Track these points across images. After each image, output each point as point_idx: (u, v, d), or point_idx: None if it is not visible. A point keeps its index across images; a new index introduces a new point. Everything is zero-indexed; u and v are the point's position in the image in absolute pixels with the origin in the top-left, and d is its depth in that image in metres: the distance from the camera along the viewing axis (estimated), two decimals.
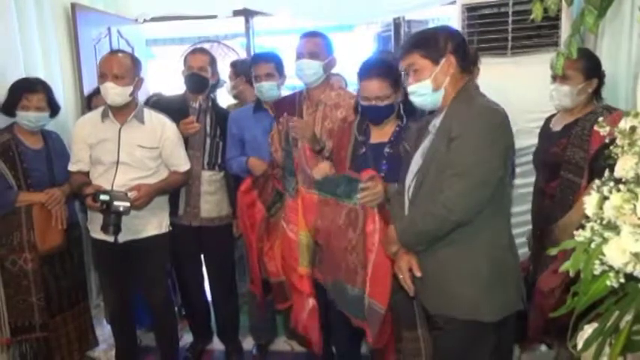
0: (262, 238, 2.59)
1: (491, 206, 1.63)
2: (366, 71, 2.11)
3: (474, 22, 2.99)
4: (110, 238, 2.44)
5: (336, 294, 2.22)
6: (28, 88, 2.52)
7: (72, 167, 2.55)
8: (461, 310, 1.67)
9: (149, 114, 2.52)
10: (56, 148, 2.69)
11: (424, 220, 1.66)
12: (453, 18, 3.26)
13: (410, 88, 1.74)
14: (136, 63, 2.47)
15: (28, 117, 2.51)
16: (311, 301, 2.33)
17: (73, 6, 3.27)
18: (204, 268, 3.00)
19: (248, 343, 3.08)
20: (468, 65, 1.75)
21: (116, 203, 2.28)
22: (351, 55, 4.55)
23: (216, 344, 3.10)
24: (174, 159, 2.56)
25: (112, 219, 2.30)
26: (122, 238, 2.45)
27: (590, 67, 2.10)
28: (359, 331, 2.60)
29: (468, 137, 1.59)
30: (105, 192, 2.31)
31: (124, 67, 2.38)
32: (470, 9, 2.98)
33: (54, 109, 2.64)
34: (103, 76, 2.37)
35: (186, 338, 3.11)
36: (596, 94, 2.16)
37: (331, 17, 3.88)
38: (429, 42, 1.69)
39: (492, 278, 1.65)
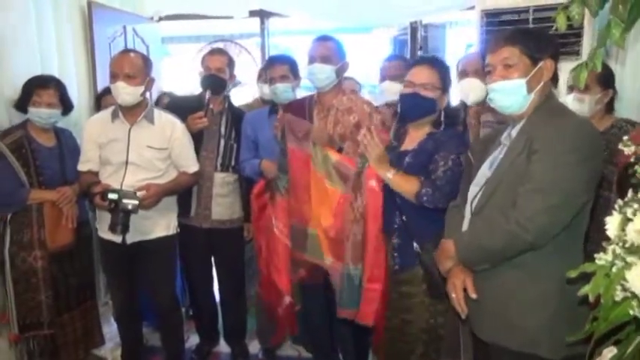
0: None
1: (568, 231, 1.45)
2: (420, 59, 2.10)
3: (492, 29, 2.94)
4: (118, 239, 2.43)
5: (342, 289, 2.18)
6: (39, 84, 2.53)
7: (82, 167, 2.53)
8: (519, 342, 1.50)
9: (159, 114, 2.50)
10: (69, 146, 2.69)
11: (492, 236, 1.48)
12: (471, 23, 3.22)
13: (495, 85, 1.54)
14: (147, 63, 2.46)
15: (39, 113, 2.51)
16: (287, 299, 2.38)
17: (90, 4, 3.26)
18: (213, 270, 2.99)
19: (254, 347, 3.06)
20: (557, 75, 1.59)
21: (124, 201, 2.27)
22: (367, 57, 4.52)
23: (223, 347, 3.09)
24: (183, 160, 2.54)
25: (120, 218, 2.28)
26: (130, 239, 2.44)
27: (606, 78, 2.14)
28: (367, 341, 2.59)
29: (556, 150, 1.41)
30: (113, 190, 2.30)
31: (135, 67, 2.36)
32: (489, 15, 2.93)
33: (66, 106, 2.64)
34: (114, 76, 2.35)
35: (193, 339, 3.10)
36: (610, 105, 2.20)
37: (348, 19, 3.85)
38: (533, 38, 1.53)
39: (560, 311, 1.46)
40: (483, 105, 2.30)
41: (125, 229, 2.32)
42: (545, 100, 1.54)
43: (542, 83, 1.53)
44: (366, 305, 2.09)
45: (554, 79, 1.57)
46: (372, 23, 4.48)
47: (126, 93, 2.35)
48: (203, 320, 3.07)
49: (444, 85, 2.03)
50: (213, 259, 2.94)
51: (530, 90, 1.52)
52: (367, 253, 2.06)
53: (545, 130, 1.46)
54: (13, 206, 2.48)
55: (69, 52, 3.14)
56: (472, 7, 3.19)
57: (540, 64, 1.51)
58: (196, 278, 2.97)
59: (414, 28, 3.73)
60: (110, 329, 3.10)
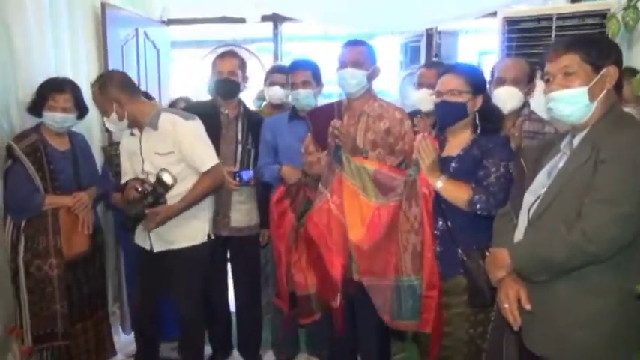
0: (290, 250, 2.51)
1: (631, 246, 1.40)
2: (448, 67, 2.07)
3: (513, 36, 2.94)
4: (147, 245, 2.39)
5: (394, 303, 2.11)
6: (55, 88, 2.46)
7: (123, 180, 2.46)
8: (573, 357, 1.47)
9: (163, 118, 2.34)
10: (83, 150, 2.63)
11: (553, 246, 1.43)
12: (485, 30, 3.21)
13: (555, 94, 1.50)
14: None
15: (54, 117, 2.45)
16: (338, 299, 2.24)
17: (104, 6, 3.21)
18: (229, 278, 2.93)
19: (269, 358, 3.00)
20: (621, 82, 1.52)
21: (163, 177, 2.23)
22: None
23: (236, 358, 3.00)
24: (196, 158, 2.34)
25: (135, 207, 2.24)
26: (157, 248, 2.39)
27: None
28: (389, 352, 2.54)
29: (625, 161, 1.37)
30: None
31: None
32: (511, 22, 2.93)
33: (82, 110, 2.58)
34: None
35: (205, 350, 3.01)
36: None
37: (363, 25, 3.80)
38: (594, 45, 1.48)
39: (618, 329, 1.43)
40: (519, 114, 2.26)
41: (136, 222, 2.27)
42: (609, 109, 1.49)
43: (605, 91, 1.47)
44: (426, 313, 2.03)
45: (618, 86, 1.51)
46: (387, 29, 4.43)
47: None
48: (216, 330, 2.99)
49: (474, 88, 1.97)
50: (230, 266, 2.88)
51: (592, 98, 1.47)
52: (425, 262, 2.00)
53: (614, 139, 1.41)
54: (29, 212, 2.40)
55: (82, 54, 3.07)
56: (490, 15, 3.18)
57: (602, 71, 1.47)
58: (212, 286, 2.87)
59: (429, 35, 3.70)
60: (119, 339, 3.03)
